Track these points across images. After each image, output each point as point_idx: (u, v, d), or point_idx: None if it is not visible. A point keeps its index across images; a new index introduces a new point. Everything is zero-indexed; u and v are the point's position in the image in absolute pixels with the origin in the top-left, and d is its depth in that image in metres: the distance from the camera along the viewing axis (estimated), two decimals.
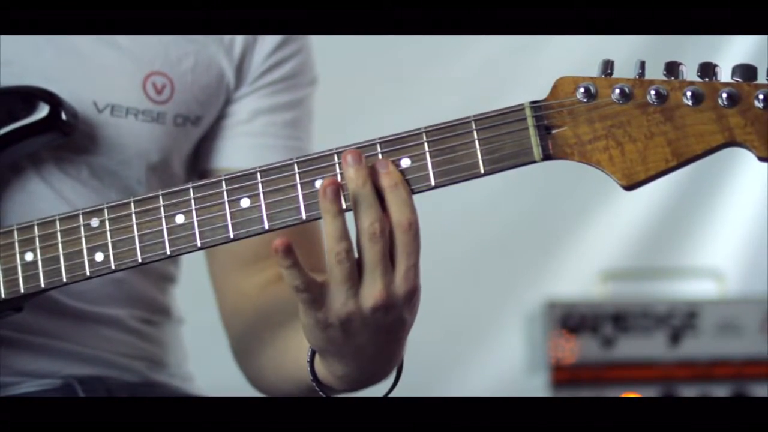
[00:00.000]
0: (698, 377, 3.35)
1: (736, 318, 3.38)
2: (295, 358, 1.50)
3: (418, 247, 1.35)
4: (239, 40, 1.68)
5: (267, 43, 1.70)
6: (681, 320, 3.38)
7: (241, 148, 1.71)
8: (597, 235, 3.78)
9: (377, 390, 1.47)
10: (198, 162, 1.72)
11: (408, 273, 1.35)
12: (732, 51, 3.55)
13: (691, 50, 3.39)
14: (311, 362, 1.45)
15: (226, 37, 1.68)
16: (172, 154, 1.67)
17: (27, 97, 1.54)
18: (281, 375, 1.57)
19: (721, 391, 3.33)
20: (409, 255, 1.35)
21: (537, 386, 3.40)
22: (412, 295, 1.36)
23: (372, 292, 1.34)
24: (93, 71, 1.61)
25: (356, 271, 1.34)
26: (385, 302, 1.35)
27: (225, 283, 1.73)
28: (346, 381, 1.43)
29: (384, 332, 1.38)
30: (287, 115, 1.72)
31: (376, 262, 1.34)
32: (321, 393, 1.46)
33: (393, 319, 1.37)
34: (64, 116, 1.55)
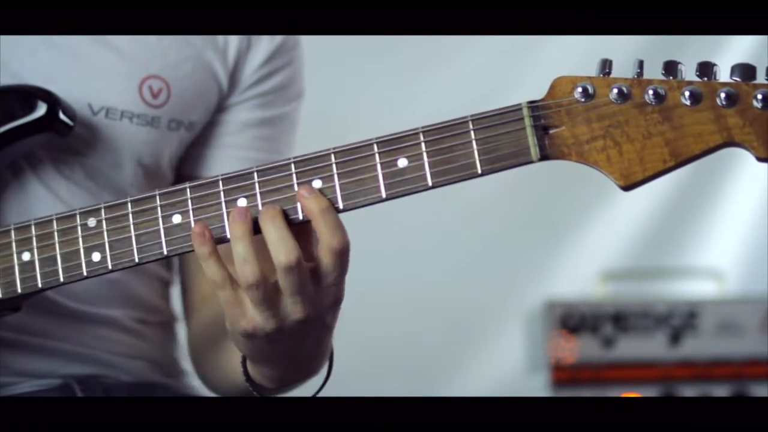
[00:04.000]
0: (698, 377, 3.35)
1: (736, 318, 3.38)
2: (231, 360, 1.53)
3: (346, 266, 1.36)
4: (233, 47, 1.68)
5: (260, 52, 1.70)
6: (681, 320, 3.38)
7: (227, 160, 1.71)
8: (597, 235, 3.78)
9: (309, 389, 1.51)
10: (184, 166, 1.72)
11: (331, 289, 1.37)
12: (732, 51, 3.54)
13: (691, 50, 3.39)
14: (243, 364, 1.48)
15: (221, 43, 1.68)
16: (164, 157, 1.66)
17: (25, 96, 1.54)
18: (221, 375, 1.61)
19: (721, 391, 3.33)
20: (339, 274, 1.36)
21: (537, 386, 3.40)
22: (336, 305, 1.39)
23: (295, 311, 1.36)
24: (89, 73, 1.61)
25: (273, 293, 1.36)
26: (309, 317, 1.37)
27: (189, 282, 1.75)
28: (276, 381, 1.48)
29: (308, 338, 1.41)
30: (273, 129, 1.73)
31: (296, 291, 1.35)
32: (255, 393, 1.49)
33: (317, 327, 1.40)
34: (61, 115, 1.54)
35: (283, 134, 1.75)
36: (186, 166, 1.72)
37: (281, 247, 1.34)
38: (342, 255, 1.35)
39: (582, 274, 3.70)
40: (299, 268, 1.33)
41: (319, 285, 1.36)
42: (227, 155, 1.72)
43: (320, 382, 1.50)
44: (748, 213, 3.77)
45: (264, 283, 1.34)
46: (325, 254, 1.35)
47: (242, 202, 1.40)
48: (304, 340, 1.40)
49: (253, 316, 1.37)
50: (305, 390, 1.52)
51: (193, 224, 1.40)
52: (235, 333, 1.39)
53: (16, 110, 1.54)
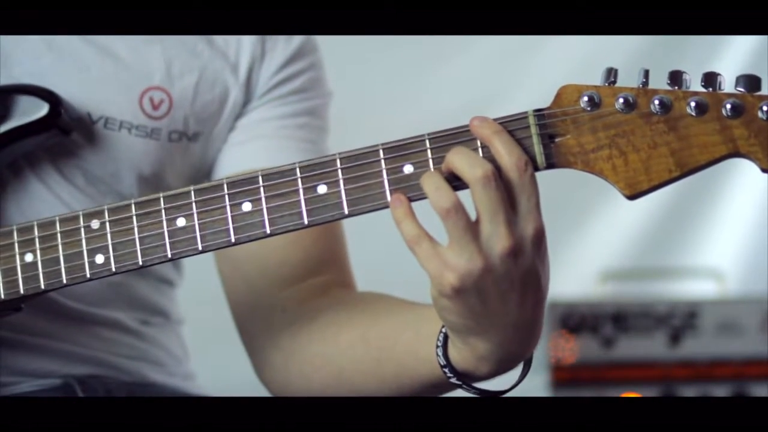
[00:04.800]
0: (698, 377, 3.35)
1: (736, 318, 3.38)
2: (413, 350, 1.46)
3: (536, 186, 1.32)
4: (245, 58, 1.67)
5: (275, 58, 1.69)
6: (681, 320, 3.38)
7: (255, 151, 1.68)
8: (597, 235, 3.78)
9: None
10: (216, 174, 1.70)
11: (530, 212, 1.32)
12: (732, 51, 3.54)
13: (691, 51, 3.38)
14: (444, 346, 1.41)
15: (232, 55, 1.67)
16: (166, 168, 1.65)
17: (27, 95, 1.54)
18: (381, 378, 1.52)
19: (721, 391, 3.33)
20: (530, 195, 1.32)
21: (537, 386, 3.39)
22: (540, 235, 1.32)
23: (497, 238, 1.30)
24: (90, 82, 1.60)
25: (471, 223, 1.31)
26: (513, 246, 1.30)
27: (257, 302, 1.67)
28: (489, 361, 1.38)
29: (519, 288, 1.33)
30: (300, 119, 1.71)
31: (496, 209, 1.30)
32: (453, 381, 1.41)
33: (525, 269, 1.32)
34: (64, 115, 1.55)
35: (315, 125, 1.72)
36: (218, 173, 1.70)
37: (472, 163, 1.31)
38: (525, 170, 1.31)
39: (582, 274, 3.69)
40: (494, 182, 1.30)
41: (515, 207, 1.31)
42: (254, 147, 1.69)
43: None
44: (748, 213, 3.77)
45: (461, 207, 1.30)
46: (509, 173, 1.31)
47: (247, 207, 1.40)
48: (514, 292, 1.33)
49: (456, 262, 1.30)
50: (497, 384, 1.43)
51: (198, 227, 1.40)
52: (442, 297, 1.33)
53: (18, 110, 1.54)
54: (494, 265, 1.31)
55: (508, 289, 1.33)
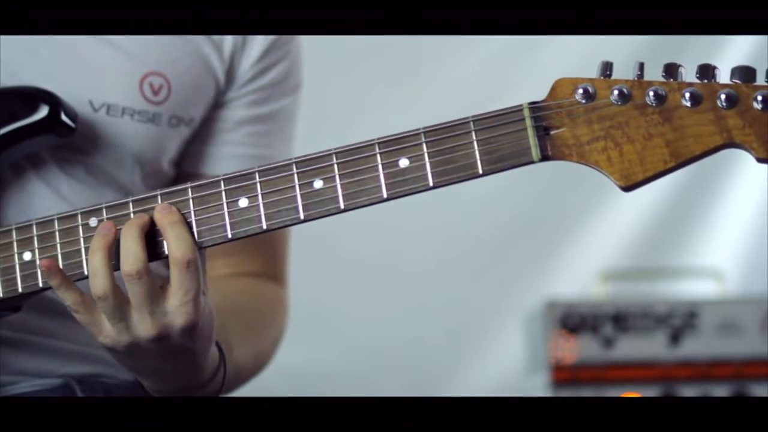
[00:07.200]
0: (698, 377, 3.35)
1: (736, 318, 3.38)
2: None
3: (195, 283, 1.39)
4: (228, 43, 1.68)
5: (255, 48, 1.70)
6: (681, 320, 3.38)
7: (222, 157, 1.71)
8: (597, 235, 3.78)
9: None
10: (183, 164, 1.72)
11: (183, 308, 1.39)
12: (732, 51, 3.55)
13: (691, 50, 3.39)
14: None
15: (216, 39, 1.68)
16: (165, 154, 1.66)
17: (27, 97, 1.54)
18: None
19: (721, 391, 3.33)
20: (186, 291, 1.39)
21: (537, 386, 3.40)
22: (191, 328, 1.41)
23: (143, 327, 1.40)
24: (90, 70, 1.61)
25: (123, 306, 1.39)
26: (159, 334, 1.40)
27: None
28: (156, 391, 1.51)
29: (171, 357, 1.43)
30: (268, 125, 1.73)
31: (141, 302, 1.39)
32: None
33: (175, 347, 1.42)
34: (63, 117, 1.54)
35: (279, 129, 1.75)
36: (185, 163, 1.72)
37: (128, 256, 1.38)
38: (185, 268, 1.38)
39: (582, 274, 3.70)
40: (143, 279, 1.38)
41: (168, 302, 1.39)
42: (222, 153, 1.72)
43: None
44: (748, 213, 3.77)
45: (112, 296, 1.38)
46: (171, 268, 1.39)
47: (243, 202, 1.40)
48: (165, 358, 1.43)
49: (108, 330, 1.41)
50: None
51: (195, 223, 1.41)
52: (102, 346, 1.43)
53: (17, 112, 1.54)
54: (144, 345, 1.41)
55: (159, 357, 1.44)
